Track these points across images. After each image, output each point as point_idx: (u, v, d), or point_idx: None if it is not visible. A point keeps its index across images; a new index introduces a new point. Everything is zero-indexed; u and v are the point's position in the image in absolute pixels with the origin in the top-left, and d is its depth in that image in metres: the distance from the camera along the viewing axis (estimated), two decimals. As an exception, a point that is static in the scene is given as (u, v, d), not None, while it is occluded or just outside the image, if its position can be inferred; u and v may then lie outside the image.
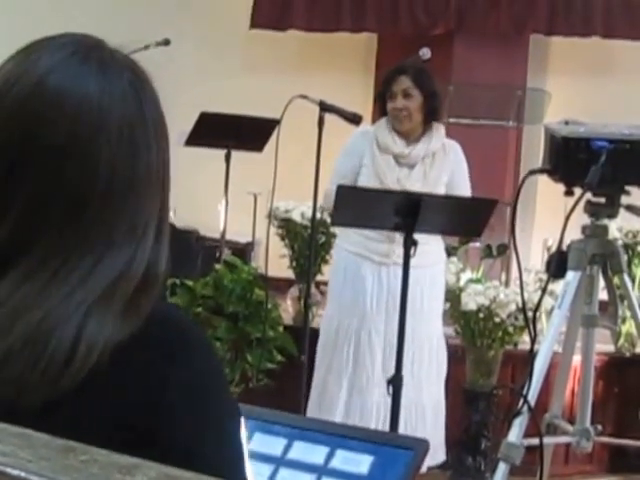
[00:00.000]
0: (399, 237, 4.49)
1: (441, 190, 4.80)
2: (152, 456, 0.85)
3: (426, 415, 4.89)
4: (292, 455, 1.53)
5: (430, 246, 4.72)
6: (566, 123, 3.74)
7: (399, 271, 4.42)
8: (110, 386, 1.14)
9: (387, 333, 4.79)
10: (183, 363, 1.17)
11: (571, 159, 3.58)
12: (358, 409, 4.84)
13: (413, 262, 4.44)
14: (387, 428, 4.45)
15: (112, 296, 1.17)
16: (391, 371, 4.41)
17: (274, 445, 1.53)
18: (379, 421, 4.80)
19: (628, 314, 5.29)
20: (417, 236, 4.35)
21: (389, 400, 4.37)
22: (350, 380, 4.87)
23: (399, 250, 4.47)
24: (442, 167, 4.83)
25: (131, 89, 1.24)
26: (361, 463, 1.50)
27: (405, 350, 4.63)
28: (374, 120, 7.55)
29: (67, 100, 1.21)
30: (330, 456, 1.52)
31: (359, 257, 4.86)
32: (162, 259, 1.24)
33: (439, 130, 4.86)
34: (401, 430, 4.64)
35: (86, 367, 1.12)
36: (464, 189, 4.85)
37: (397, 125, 4.81)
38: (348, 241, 4.91)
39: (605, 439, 4.53)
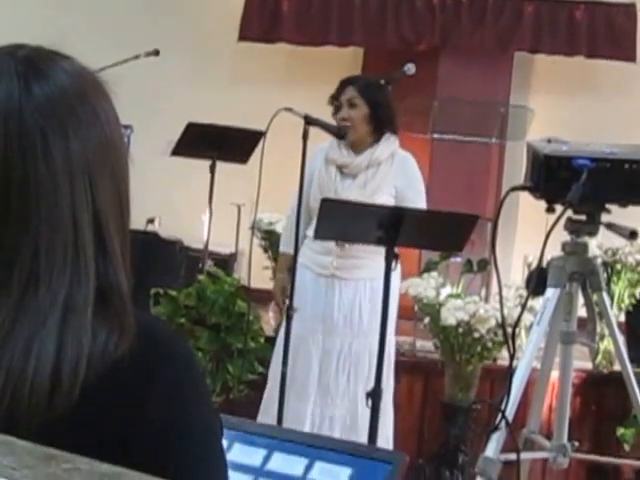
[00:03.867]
0: (336, 249, 4.70)
1: (380, 201, 4.70)
2: (138, 469, 0.84)
3: (360, 429, 4.72)
4: (271, 466, 1.53)
5: (369, 260, 4.70)
6: (549, 141, 3.76)
7: (336, 283, 4.73)
8: (99, 402, 1.13)
9: (325, 343, 4.80)
10: (164, 375, 1.16)
11: (553, 177, 3.58)
12: (291, 417, 4.77)
13: (353, 275, 4.66)
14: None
15: (71, 316, 1.12)
16: (327, 381, 4.59)
17: (253, 456, 1.53)
18: (313, 431, 4.72)
19: (606, 332, 5.33)
20: (357, 249, 4.51)
21: (322, 411, 4.55)
22: (288, 387, 4.79)
23: (336, 262, 4.72)
24: (384, 177, 4.79)
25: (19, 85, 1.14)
26: (340, 475, 1.50)
27: (342, 363, 4.70)
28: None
29: None
30: (309, 468, 1.52)
31: (304, 268, 4.86)
32: (116, 269, 1.17)
33: (389, 140, 4.83)
34: None
35: (76, 388, 1.10)
36: (416, 202, 4.76)
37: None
38: (301, 254, 4.90)
39: (582, 455, 4.53)
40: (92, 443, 1.09)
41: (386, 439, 4.81)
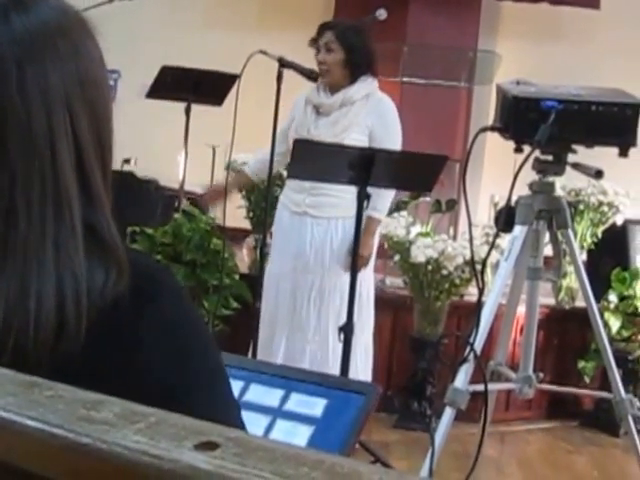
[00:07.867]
0: (308, 186, 4.79)
1: (350, 138, 4.77)
2: (135, 399, 0.82)
3: (330, 364, 4.82)
4: (248, 397, 1.57)
5: (342, 199, 4.79)
6: (517, 83, 3.85)
7: (309, 220, 4.84)
8: (103, 340, 1.12)
9: (298, 280, 4.90)
10: (153, 305, 1.14)
11: (521, 118, 3.68)
12: (272, 351, 4.90)
13: (325, 213, 4.78)
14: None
15: (62, 253, 1.10)
16: (299, 316, 4.76)
17: (230, 387, 1.60)
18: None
19: (569, 269, 5.47)
20: (330, 187, 4.60)
21: (294, 345, 4.73)
22: (265, 323, 4.91)
23: (309, 200, 4.84)
24: (356, 116, 4.84)
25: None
26: (315, 406, 1.55)
27: (313, 299, 4.83)
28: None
29: None
30: (285, 399, 1.57)
31: (283, 207, 5.01)
32: (103, 209, 1.15)
33: (365, 82, 4.88)
34: None
35: (81, 327, 1.09)
36: (385, 142, 4.79)
37: (321, 78, 4.90)
38: (282, 194, 5.07)
39: (546, 386, 4.62)
40: (100, 380, 1.02)
41: (364, 374, 4.93)
